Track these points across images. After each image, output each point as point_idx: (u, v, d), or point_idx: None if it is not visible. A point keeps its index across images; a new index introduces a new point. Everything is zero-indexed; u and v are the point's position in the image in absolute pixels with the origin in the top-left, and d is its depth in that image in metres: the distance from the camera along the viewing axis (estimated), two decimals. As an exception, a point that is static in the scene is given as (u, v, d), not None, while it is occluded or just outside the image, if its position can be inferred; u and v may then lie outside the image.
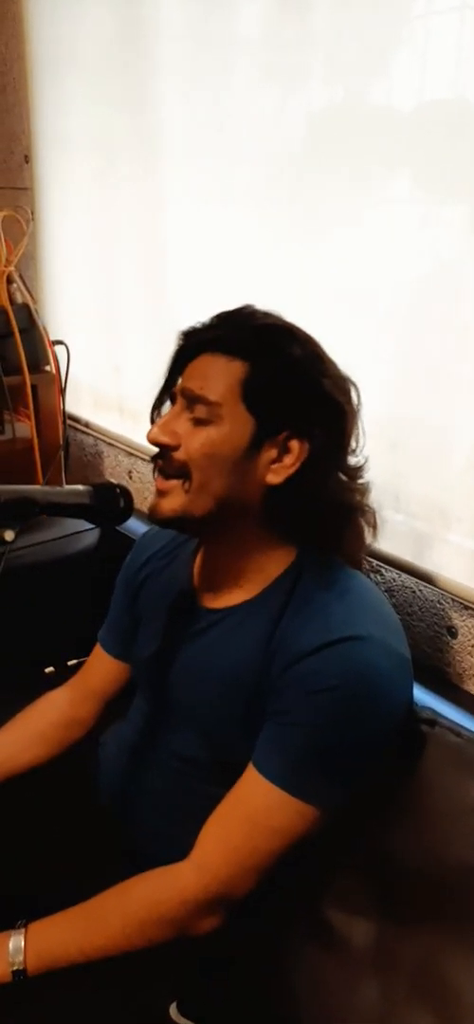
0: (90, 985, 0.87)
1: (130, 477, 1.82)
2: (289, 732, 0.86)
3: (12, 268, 1.79)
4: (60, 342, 1.83)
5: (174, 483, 0.89)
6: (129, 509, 0.91)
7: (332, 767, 0.85)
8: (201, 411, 0.88)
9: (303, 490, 0.88)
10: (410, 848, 0.90)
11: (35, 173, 1.96)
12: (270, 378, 0.87)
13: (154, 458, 0.92)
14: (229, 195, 1.40)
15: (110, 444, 1.88)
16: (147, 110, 1.55)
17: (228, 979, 0.93)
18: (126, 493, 0.91)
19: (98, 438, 1.93)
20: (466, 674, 1.11)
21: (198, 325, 0.93)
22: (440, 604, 1.13)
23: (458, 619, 1.10)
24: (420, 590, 1.15)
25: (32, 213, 1.93)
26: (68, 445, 1.89)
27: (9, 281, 1.79)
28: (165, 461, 0.90)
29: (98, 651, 1.16)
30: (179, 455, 0.88)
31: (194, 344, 0.91)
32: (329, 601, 0.88)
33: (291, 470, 0.88)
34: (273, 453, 0.88)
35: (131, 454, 1.79)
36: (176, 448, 0.89)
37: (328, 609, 0.87)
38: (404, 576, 1.18)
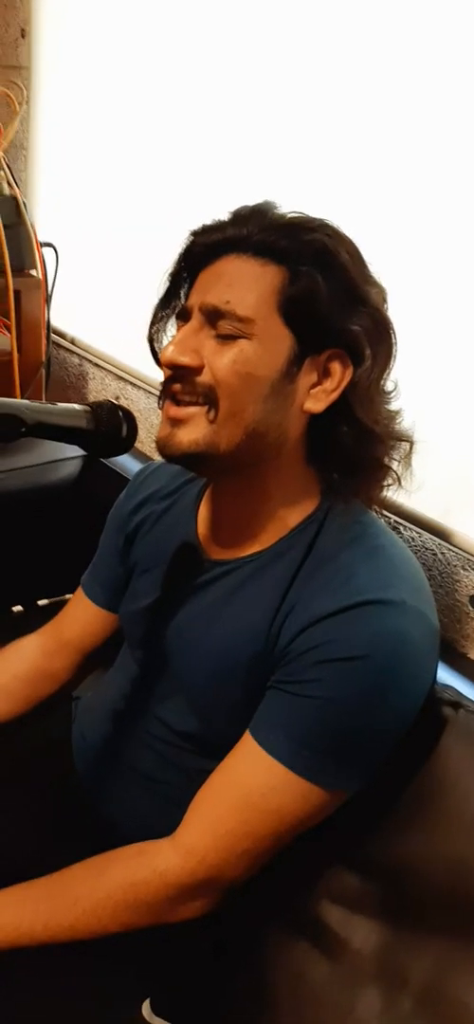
0: (54, 971, 0.79)
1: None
2: (298, 704, 0.75)
3: (0, 154, 1.60)
4: (49, 244, 1.67)
5: (195, 410, 0.75)
6: (132, 438, 0.78)
7: (345, 748, 0.75)
8: (227, 327, 0.74)
9: (350, 419, 0.77)
10: (426, 849, 0.81)
11: (32, 51, 1.78)
12: (314, 287, 0.74)
13: (166, 382, 0.78)
14: (250, 81, 1.26)
15: (96, 365, 1.74)
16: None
17: (204, 976, 0.86)
18: (130, 418, 0.77)
19: (84, 357, 1.78)
20: (488, 650, 1.02)
21: (213, 223, 0.79)
22: (465, 570, 1.03)
23: (484, 588, 1.01)
24: (442, 552, 1.05)
25: (26, 96, 1.74)
26: (49, 362, 1.73)
27: (-5, 168, 1.60)
28: (184, 386, 0.76)
29: (80, 597, 1.04)
30: (204, 378, 0.75)
31: (211, 245, 0.77)
32: (355, 559, 0.77)
33: (333, 396, 0.77)
34: (313, 376, 0.77)
35: (120, 377, 1.65)
36: (199, 370, 0.75)
37: (354, 568, 0.76)
38: (425, 536, 1.07)
